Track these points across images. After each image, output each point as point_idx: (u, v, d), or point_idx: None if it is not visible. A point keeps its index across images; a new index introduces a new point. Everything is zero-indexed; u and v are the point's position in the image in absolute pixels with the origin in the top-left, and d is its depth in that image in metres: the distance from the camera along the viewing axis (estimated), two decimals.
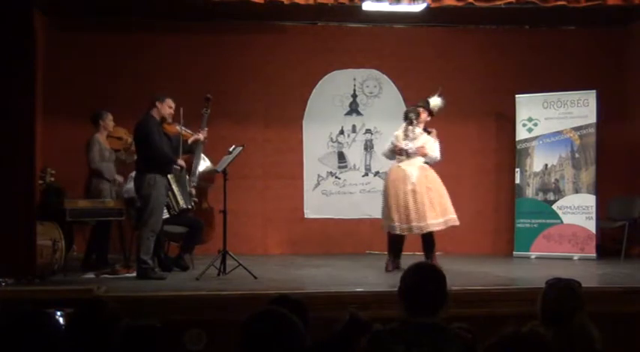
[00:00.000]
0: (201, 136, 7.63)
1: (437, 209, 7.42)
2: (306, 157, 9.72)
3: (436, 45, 9.78)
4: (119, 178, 8.06)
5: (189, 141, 7.56)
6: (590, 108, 9.05)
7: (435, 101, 7.85)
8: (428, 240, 7.55)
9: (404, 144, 7.55)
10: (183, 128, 7.51)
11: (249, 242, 9.09)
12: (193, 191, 7.90)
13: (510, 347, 2.15)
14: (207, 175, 8.18)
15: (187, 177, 7.78)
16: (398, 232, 7.49)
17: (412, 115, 7.60)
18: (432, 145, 7.66)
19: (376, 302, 5.60)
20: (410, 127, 7.57)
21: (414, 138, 7.56)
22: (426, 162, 7.62)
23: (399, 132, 7.68)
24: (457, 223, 7.55)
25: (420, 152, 7.56)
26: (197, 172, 8.03)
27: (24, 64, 6.70)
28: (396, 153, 7.63)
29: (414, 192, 7.39)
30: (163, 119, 7.23)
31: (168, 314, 5.48)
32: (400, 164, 7.57)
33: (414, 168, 7.50)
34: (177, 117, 7.46)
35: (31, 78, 6.83)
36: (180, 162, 7.39)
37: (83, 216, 7.48)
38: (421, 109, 7.73)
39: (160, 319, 5.19)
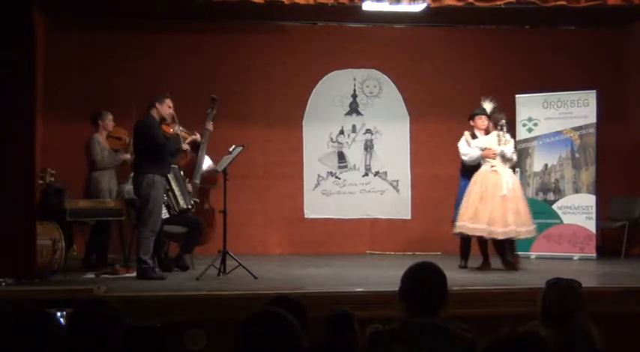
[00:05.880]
0: (198, 137, 7.63)
1: (525, 217, 7.60)
2: (306, 157, 9.72)
3: (436, 45, 9.78)
4: (125, 156, 8.03)
5: (187, 141, 7.55)
6: (590, 108, 9.04)
7: (488, 106, 7.93)
8: (512, 241, 7.73)
9: (499, 150, 7.57)
10: (181, 128, 7.51)
11: (249, 242, 9.08)
12: (190, 188, 7.89)
13: (507, 348, 2.15)
14: (211, 177, 8.12)
15: (182, 175, 7.78)
16: (485, 235, 7.48)
17: (503, 121, 7.66)
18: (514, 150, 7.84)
19: (376, 302, 5.60)
20: (501, 133, 7.62)
21: (507, 143, 7.64)
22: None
23: (489, 138, 7.68)
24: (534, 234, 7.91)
25: (512, 157, 7.72)
26: (200, 171, 8.04)
27: (24, 63, 6.70)
28: (490, 157, 7.60)
29: (509, 197, 7.47)
30: (162, 119, 7.23)
31: (168, 314, 5.47)
32: (495, 168, 7.57)
33: (508, 175, 7.60)
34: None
35: (31, 78, 6.82)
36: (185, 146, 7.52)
37: (83, 216, 7.48)
38: (483, 116, 7.87)
39: (160, 319, 5.22)
